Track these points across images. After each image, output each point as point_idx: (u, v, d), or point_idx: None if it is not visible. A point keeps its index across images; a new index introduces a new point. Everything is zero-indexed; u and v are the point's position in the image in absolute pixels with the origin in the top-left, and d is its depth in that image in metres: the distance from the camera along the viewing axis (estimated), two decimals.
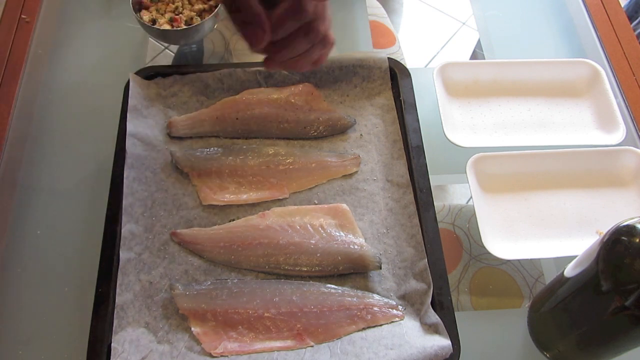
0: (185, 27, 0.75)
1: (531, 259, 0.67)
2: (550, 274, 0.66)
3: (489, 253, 0.62)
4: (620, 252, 0.45)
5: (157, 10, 0.78)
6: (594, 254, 0.47)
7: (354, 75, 0.76)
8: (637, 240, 0.44)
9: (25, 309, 0.63)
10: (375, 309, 0.60)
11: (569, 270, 0.52)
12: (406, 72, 0.75)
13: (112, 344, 0.56)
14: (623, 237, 0.45)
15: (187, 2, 0.79)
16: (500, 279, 0.66)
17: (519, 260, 0.67)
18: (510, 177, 0.70)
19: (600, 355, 0.55)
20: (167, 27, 0.75)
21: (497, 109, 0.77)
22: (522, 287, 0.66)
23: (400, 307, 0.60)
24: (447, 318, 0.58)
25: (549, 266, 0.67)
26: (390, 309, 0.60)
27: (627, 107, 0.79)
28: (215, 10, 0.77)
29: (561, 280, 0.54)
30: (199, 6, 0.78)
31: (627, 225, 0.46)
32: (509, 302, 0.65)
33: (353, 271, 0.62)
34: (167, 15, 0.77)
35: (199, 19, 0.77)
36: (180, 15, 0.77)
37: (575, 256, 0.53)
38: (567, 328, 0.55)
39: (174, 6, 0.78)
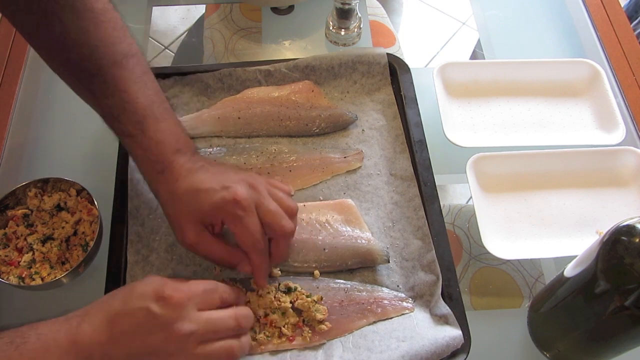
0: None
1: (531, 259, 0.67)
2: (550, 274, 0.66)
3: (489, 253, 0.62)
4: (620, 252, 0.45)
5: None
6: (594, 254, 0.47)
7: (353, 72, 0.76)
8: (637, 240, 0.44)
9: (34, 313, 0.63)
10: (385, 302, 0.60)
11: (569, 270, 0.53)
12: (406, 68, 0.75)
13: None
14: (623, 237, 0.45)
15: None
16: (500, 279, 0.66)
17: (518, 260, 0.67)
18: (510, 177, 0.70)
19: (600, 355, 0.55)
20: None
21: (497, 109, 0.77)
22: (522, 287, 0.66)
23: (409, 300, 0.60)
24: (456, 309, 0.58)
25: (549, 266, 0.67)
26: (400, 302, 0.60)
27: (627, 107, 0.79)
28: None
29: (561, 280, 0.54)
30: None
31: (627, 225, 0.46)
32: (509, 302, 0.65)
33: (361, 266, 0.62)
34: None
35: None
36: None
37: (575, 256, 0.53)
38: (567, 328, 0.55)
39: None
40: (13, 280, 0.60)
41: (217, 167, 0.58)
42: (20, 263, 0.62)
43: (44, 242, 0.63)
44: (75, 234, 0.64)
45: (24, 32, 0.57)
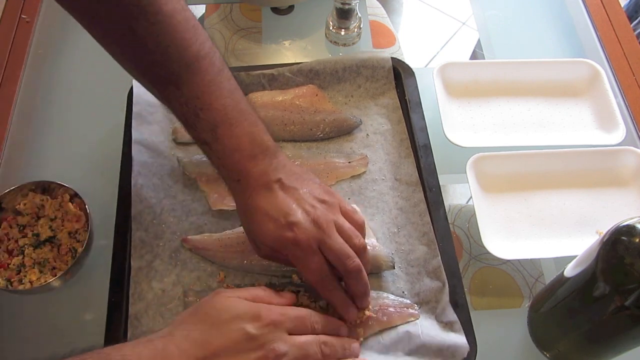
0: None
1: (531, 259, 0.67)
2: (550, 274, 0.66)
3: (489, 253, 0.62)
4: (620, 252, 0.45)
5: None
6: (594, 254, 0.47)
7: (357, 76, 0.75)
8: (637, 240, 0.44)
9: (21, 318, 0.63)
10: (391, 309, 0.59)
11: (569, 270, 0.53)
12: (410, 72, 0.75)
13: None
14: (623, 237, 0.45)
15: None
16: (500, 279, 0.66)
17: (519, 260, 0.67)
18: (510, 177, 0.70)
19: (600, 355, 0.55)
20: None
21: (497, 109, 0.77)
22: (522, 287, 0.66)
23: (415, 307, 0.60)
24: (462, 316, 0.58)
25: (549, 266, 0.67)
26: (405, 309, 0.60)
27: (627, 107, 0.79)
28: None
29: (561, 280, 0.54)
30: None
31: (627, 225, 0.46)
32: (509, 302, 0.65)
33: (366, 272, 0.62)
34: None
35: None
36: None
37: (575, 256, 0.53)
38: (567, 328, 0.55)
39: None
40: (1, 283, 0.60)
41: (293, 181, 0.56)
42: (10, 266, 0.61)
43: (35, 246, 0.63)
44: (66, 239, 0.64)
45: (102, 42, 0.55)
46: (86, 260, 0.63)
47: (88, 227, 0.62)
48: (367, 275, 0.55)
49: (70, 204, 0.65)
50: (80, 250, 0.61)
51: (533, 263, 0.67)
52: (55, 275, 0.60)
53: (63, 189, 0.65)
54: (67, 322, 0.63)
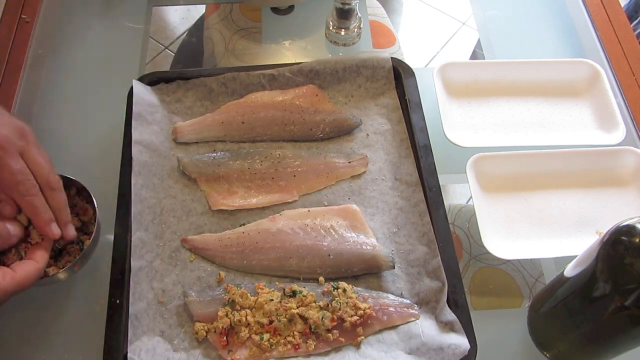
0: None
1: (531, 259, 0.67)
2: (550, 274, 0.66)
3: (489, 253, 0.62)
4: (620, 252, 0.45)
5: None
6: (594, 254, 0.47)
7: (357, 76, 0.75)
8: (637, 240, 0.44)
9: (32, 310, 0.63)
10: (391, 309, 0.59)
11: (569, 270, 0.53)
12: (410, 72, 0.75)
13: (129, 354, 0.55)
14: (623, 237, 0.45)
15: None
16: (500, 279, 0.67)
17: (519, 260, 0.67)
18: (510, 177, 0.70)
19: (600, 355, 0.55)
20: None
21: (497, 109, 0.77)
22: (522, 287, 0.66)
23: (415, 307, 0.60)
24: (462, 316, 0.58)
25: (549, 266, 0.67)
26: (405, 309, 0.60)
27: (627, 107, 0.79)
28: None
29: (561, 280, 0.54)
30: None
31: (627, 225, 0.46)
32: (509, 302, 0.65)
33: (366, 272, 0.62)
34: None
35: None
36: None
37: (575, 256, 0.53)
38: (567, 328, 0.55)
39: None
40: None
41: None
42: None
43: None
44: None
45: None
46: (94, 252, 0.63)
47: (96, 220, 0.62)
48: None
49: (78, 197, 0.65)
50: (87, 242, 0.61)
51: (533, 263, 0.67)
52: (62, 267, 0.60)
53: (70, 182, 0.65)
54: (72, 315, 0.63)
